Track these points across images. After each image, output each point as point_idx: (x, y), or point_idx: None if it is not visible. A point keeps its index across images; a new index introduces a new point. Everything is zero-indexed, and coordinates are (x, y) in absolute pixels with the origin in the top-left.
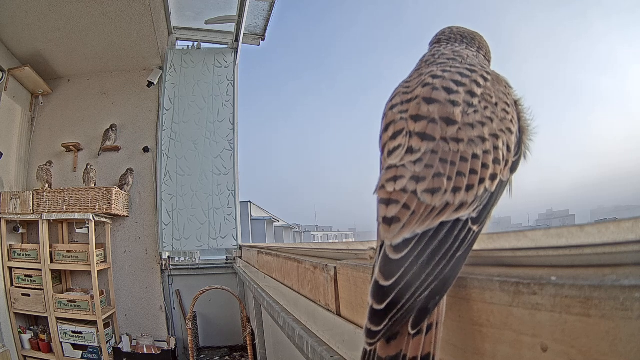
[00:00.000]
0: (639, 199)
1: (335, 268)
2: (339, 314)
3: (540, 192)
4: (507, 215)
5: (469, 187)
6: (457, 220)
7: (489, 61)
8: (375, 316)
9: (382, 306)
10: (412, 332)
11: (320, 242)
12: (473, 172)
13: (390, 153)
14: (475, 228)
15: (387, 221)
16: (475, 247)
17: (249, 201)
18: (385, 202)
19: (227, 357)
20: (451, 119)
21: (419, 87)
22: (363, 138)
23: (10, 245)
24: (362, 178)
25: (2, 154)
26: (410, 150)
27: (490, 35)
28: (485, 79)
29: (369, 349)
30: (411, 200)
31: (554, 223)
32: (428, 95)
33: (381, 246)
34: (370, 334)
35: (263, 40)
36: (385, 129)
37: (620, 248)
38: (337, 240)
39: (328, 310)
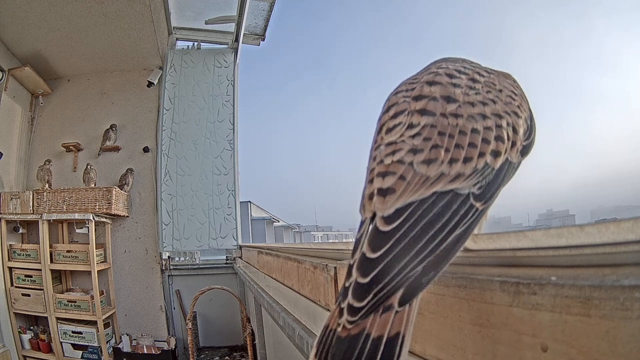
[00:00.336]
0: (639, 199)
1: (335, 268)
2: None
3: (540, 192)
4: (507, 215)
5: (467, 160)
6: (456, 194)
7: None
8: (359, 290)
9: (367, 279)
10: (398, 309)
11: (320, 242)
12: (472, 145)
13: (390, 130)
14: (479, 205)
15: (382, 192)
16: (476, 247)
17: (249, 201)
18: (382, 174)
19: (227, 357)
20: (452, 97)
21: (424, 76)
22: (363, 138)
23: (10, 245)
24: (362, 178)
25: (2, 154)
26: (410, 126)
27: (490, 35)
28: (489, 73)
29: (348, 326)
30: (407, 172)
31: (554, 223)
32: (431, 79)
33: (372, 218)
34: (352, 310)
35: (263, 40)
36: (386, 110)
37: (620, 248)
38: (337, 240)
39: (328, 310)
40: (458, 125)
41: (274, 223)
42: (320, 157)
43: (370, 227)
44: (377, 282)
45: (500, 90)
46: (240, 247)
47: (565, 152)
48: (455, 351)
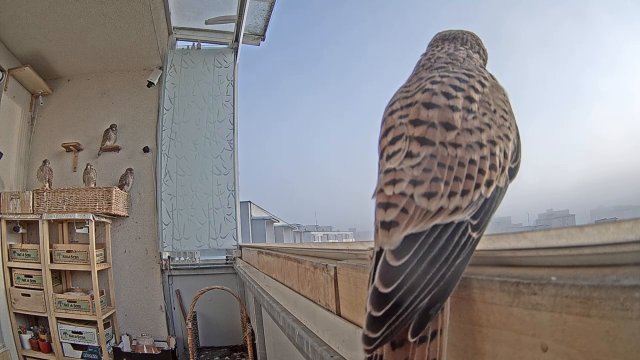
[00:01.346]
0: (639, 199)
1: (335, 268)
2: (339, 314)
3: (540, 192)
4: (507, 215)
5: (465, 192)
6: (457, 226)
7: (485, 60)
8: (374, 323)
9: (380, 313)
10: (413, 340)
11: (320, 242)
12: (469, 177)
13: (389, 157)
14: (474, 235)
15: (386, 225)
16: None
17: (249, 201)
18: (384, 205)
19: (227, 357)
20: (450, 123)
21: (418, 92)
22: (363, 138)
23: (10, 245)
24: (362, 178)
25: (2, 154)
26: (409, 155)
27: (490, 35)
28: (483, 85)
29: (367, 355)
30: (409, 204)
31: (554, 223)
32: (427, 100)
33: (379, 252)
34: (367, 340)
35: (263, 40)
36: (384, 134)
37: (620, 248)
38: (337, 240)
39: (328, 310)
40: (457, 156)
41: (274, 223)
42: (320, 157)
43: (380, 260)
44: (390, 315)
45: (494, 111)
46: (240, 247)
47: (565, 152)
48: (456, 351)
